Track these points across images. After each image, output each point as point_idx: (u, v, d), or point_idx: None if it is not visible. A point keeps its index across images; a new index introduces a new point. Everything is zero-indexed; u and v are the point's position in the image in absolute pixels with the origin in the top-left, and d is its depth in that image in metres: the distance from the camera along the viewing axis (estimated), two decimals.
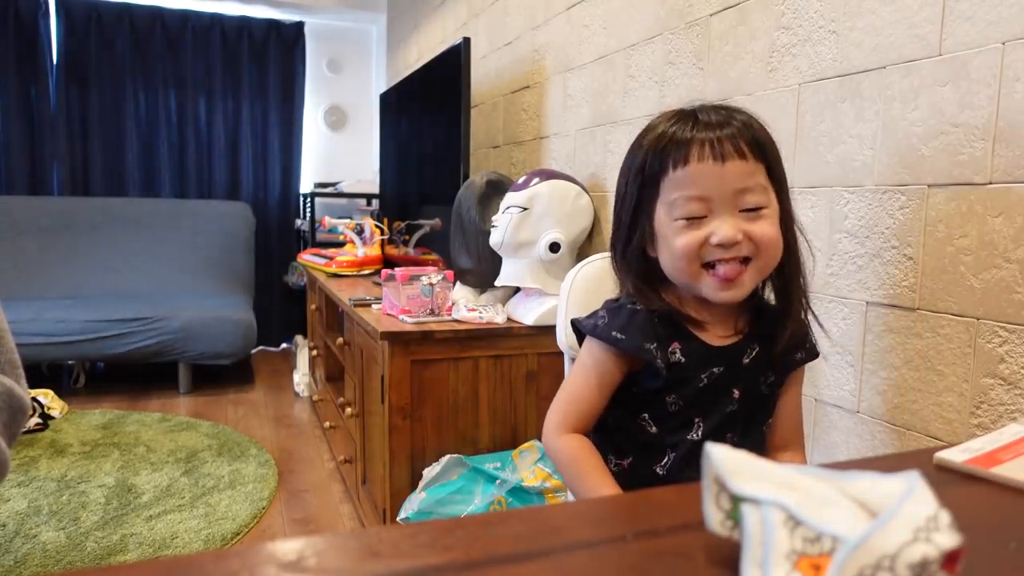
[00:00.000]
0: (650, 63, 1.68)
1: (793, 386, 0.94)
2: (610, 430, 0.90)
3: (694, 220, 0.80)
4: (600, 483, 0.81)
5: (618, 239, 0.90)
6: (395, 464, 1.68)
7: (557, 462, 0.87)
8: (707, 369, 0.86)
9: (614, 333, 0.85)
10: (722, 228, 0.79)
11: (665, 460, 0.87)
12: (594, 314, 0.90)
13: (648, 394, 0.87)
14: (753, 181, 0.80)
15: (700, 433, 0.87)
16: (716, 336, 0.88)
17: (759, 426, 0.93)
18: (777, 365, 0.90)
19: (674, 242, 0.82)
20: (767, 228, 0.81)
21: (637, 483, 0.86)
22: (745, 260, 0.81)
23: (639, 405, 0.88)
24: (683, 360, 0.85)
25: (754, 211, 0.80)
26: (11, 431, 0.89)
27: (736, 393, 0.88)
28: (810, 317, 0.91)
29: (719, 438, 0.87)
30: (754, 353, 0.89)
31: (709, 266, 0.82)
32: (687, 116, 0.83)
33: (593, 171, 1.94)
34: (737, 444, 0.89)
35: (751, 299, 0.88)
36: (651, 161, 0.83)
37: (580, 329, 0.90)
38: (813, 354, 0.93)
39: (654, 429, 0.87)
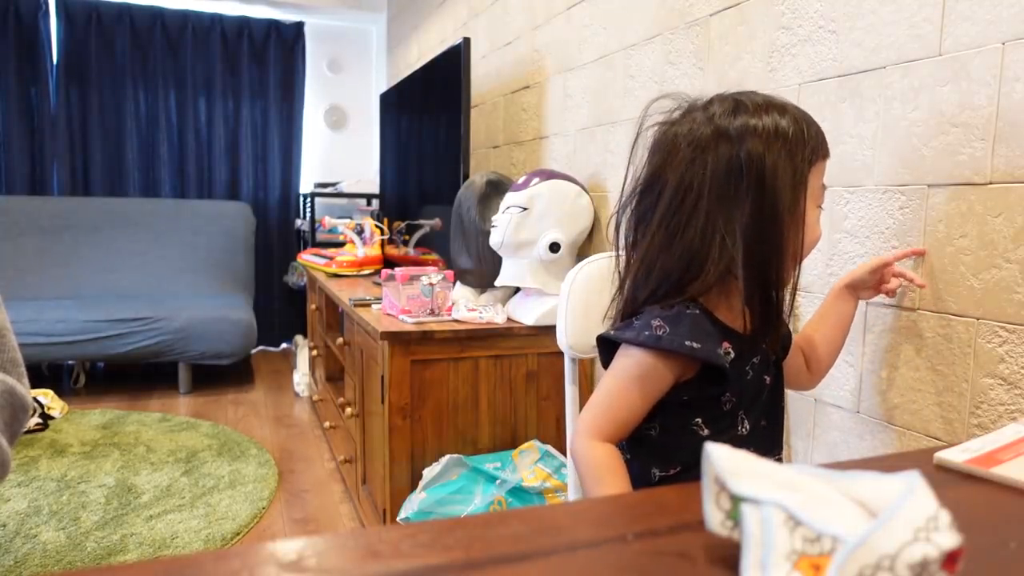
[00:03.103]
0: (650, 63, 1.68)
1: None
2: (654, 443, 0.87)
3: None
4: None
5: (760, 229, 0.79)
6: (395, 464, 1.68)
7: (580, 467, 0.83)
8: (749, 360, 0.86)
9: (688, 343, 0.79)
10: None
11: None
12: (641, 325, 0.82)
13: (703, 398, 0.84)
14: None
15: (746, 427, 0.86)
16: (740, 327, 0.87)
17: (781, 408, 0.94)
18: (777, 345, 0.93)
19: (816, 229, 0.86)
20: None
21: None
22: None
23: (690, 411, 0.85)
24: (734, 356, 0.84)
25: None
26: (12, 430, 0.88)
27: (768, 380, 0.89)
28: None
29: (757, 428, 0.88)
30: (766, 340, 0.90)
31: None
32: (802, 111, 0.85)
33: (593, 171, 1.94)
34: (768, 430, 0.90)
35: None
36: (814, 147, 0.83)
37: (635, 343, 0.82)
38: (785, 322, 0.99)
39: (706, 432, 0.85)
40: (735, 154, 0.79)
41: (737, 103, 0.82)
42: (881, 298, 1.11)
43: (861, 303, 1.15)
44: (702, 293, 0.83)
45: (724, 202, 0.79)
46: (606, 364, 0.88)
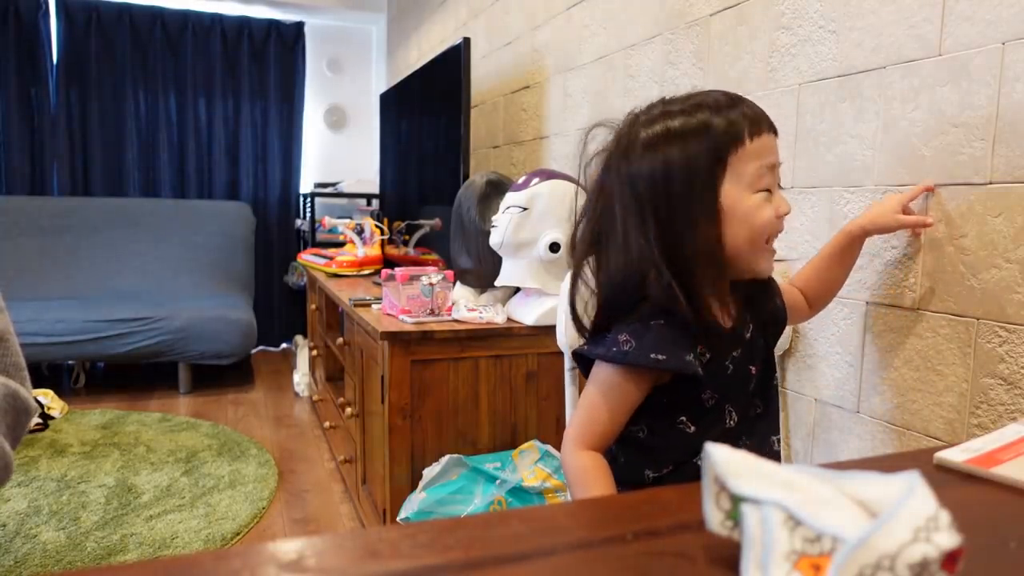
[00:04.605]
0: (650, 63, 1.68)
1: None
2: (643, 444, 0.88)
3: (768, 192, 0.81)
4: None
5: (672, 239, 0.80)
6: (395, 464, 1.68)
7: (568, 476, 0.86)
8: (729, 355, 0.86)
9: (653, 355, 0.80)
10: (784, 200, 0.83)
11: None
12: (611, 341, 0.83)
13: (683, 399, 0.85)
14: None
15: (734, 419, 0.87)
16: (724, 321, 0.88)
17: (774, 389, 0.94)
18: (759, 324, 0.92)
19: (759, 215, 0.80)
20: None
21: None
22: None
23: (673, 410, 0.86)
24: (710, 355, 0.85)
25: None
26: (15, 433, 0.89)
27: (753, 370, 0.89)
28: None
29: (748, 419, 0.88)
30: (751, 326, 0.90)
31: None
32: (730, 96, 0.82)
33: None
34: (763, 416, 0.89)
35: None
36: (720, 137, 0.79)
37: (604, 359, 0.84)
38: (779, 291, 0.97)
39: (692, 428, 0.86)
40: (633, 172, 0.80)
41: (635, 120, 0.83)
42: (880, 297, 1.11)
43: (860, 302, 1.15)
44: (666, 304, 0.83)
45: (637, 220, 0.80)
46: (586, 374, 0.90)
